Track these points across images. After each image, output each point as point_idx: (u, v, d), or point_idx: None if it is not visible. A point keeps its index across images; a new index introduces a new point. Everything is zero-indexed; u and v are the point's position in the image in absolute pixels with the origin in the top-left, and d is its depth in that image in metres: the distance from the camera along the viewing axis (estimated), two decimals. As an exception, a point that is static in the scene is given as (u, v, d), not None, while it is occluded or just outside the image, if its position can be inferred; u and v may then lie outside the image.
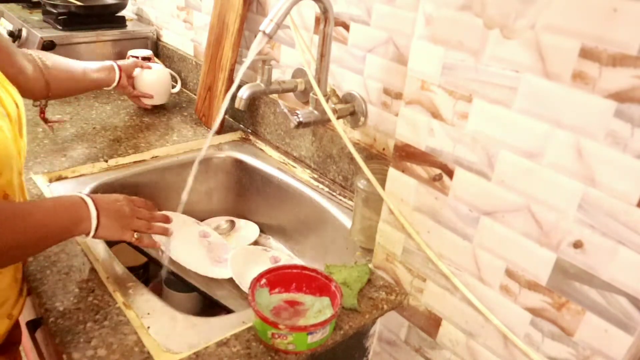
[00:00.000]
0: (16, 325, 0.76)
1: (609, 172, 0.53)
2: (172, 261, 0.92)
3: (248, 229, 1.21)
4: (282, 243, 1.19)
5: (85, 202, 0.73)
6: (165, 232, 0.84)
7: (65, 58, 1.10)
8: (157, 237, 0.86)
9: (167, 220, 0.86)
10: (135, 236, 0.79)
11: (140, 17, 1.73)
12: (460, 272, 0.71)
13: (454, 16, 0.62)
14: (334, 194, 1.06)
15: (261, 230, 1.21)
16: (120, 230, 0.77)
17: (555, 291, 0.61)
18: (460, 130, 0.65)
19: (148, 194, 1.09)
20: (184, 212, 0.97)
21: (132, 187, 1.07)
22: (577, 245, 0.57)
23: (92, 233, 0.73)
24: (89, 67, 1.14)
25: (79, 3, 1.54)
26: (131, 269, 0.85)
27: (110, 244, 0.85)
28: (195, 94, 1.48)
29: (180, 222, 1.06)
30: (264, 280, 0.73)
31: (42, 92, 1.01)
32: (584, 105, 0.53)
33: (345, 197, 1.05)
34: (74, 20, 1.48)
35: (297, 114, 0.96)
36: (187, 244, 1.02)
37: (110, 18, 1.57)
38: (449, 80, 0.65)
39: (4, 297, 0.70)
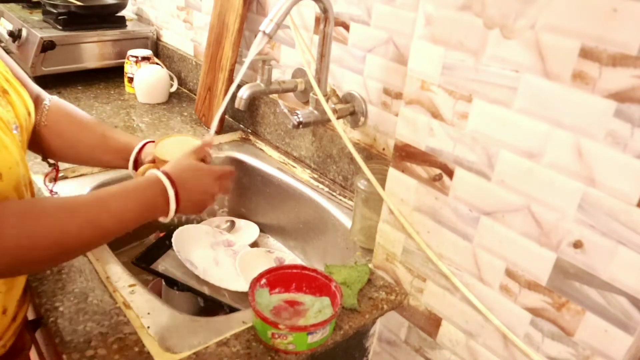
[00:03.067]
0: (22, 331, 0.75)
1: (609, 172, 0.53)
2: (201, 281, 0.91)
3: (248, 229, 1.21)
4: (282, 243, 1.19)
5: (163, 184, 0.66)
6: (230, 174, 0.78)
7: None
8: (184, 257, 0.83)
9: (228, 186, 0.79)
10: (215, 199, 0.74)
11: (140, 17, 1.73)
12: (460, 272, 0.71)
13: (454, 16, 0.62)
14: (334, 194, 1.06)
15: (261, 230, 1.21)
16: (199, 206, 0.72)
17: (555, 291, 0.61)
18: (460, 130, 0.65)
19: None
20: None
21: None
22: (577, 245, 0.57)
23: (170, 215, 0.68)
24: (110, 134, 0.85)
25: (79, 3, 1.54)
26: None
27: (113, 247, 0.85)
28: (195, 94, 1.49)
29: (202, 234, 1.06)
30: (264, 280, 0.73)
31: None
32: (584, 105, 0.53)
33: (345, 197, 1.05)
34: (74, 20, 1.48)
35: (297, 114, 0.96)
36: (214, 260, 1.00)
37: (110, 18, 1.57)
38: (449, 80, 0.65)
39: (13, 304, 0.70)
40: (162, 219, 0.69)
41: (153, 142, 0.83)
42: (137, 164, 0.82)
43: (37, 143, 0.81)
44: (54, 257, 0.62)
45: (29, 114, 0.73)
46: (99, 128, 0.85)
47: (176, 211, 0.68)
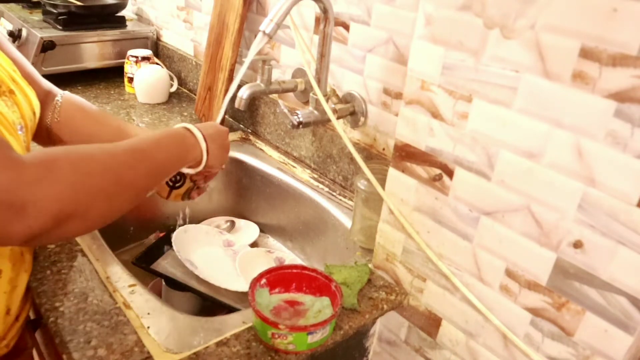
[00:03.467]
0: (23, 331, 0.75)
1: (609, 172, 0.53)
2: (201, 280, 0.91)
3: (248, 229, 1.21)
4: (282, 243, 1.19)
5: (193, 134, 0.72)
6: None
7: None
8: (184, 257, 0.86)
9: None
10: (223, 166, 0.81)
11: (140, 17, 1.73)
12: (460, 272, 0.71)
13: (454, 16, 0.62)
14: (334, 194, 1.07)
15: (261, 230, 1.21)
16: (223, 156, 0.77)
17: (555, 291, 0.61)
18: (460, 130, 0.65)
19: (153, 196, 1.09)
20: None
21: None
22: (577, 245, 0.57)
23: (203, 164, 0.73)
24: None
25: (79, 3, 1.54)
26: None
27: (113, 247, 0.85)
28: (195, 94, 1.49)
29: (203, 234, 1.06)
30: (264, 280, 0.73)
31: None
32: (584, 105, 0.53)
33: (345, 197, 1.05)
34: (74, 20, 1.49)
35: (297, 114, 0.96)
36: (214, 260, 1.01)
37: (110, 18, 1.57)
38: (449, 80, 0.65)
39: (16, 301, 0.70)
40: (189, 170, 0.74)
41: None
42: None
43: (50, 140, 0.80)
44: (111, 196, 0.58)
45: (34, 113, 0.73)
46: (114, 121, 0.85)
47: (205, 164, 0.73)
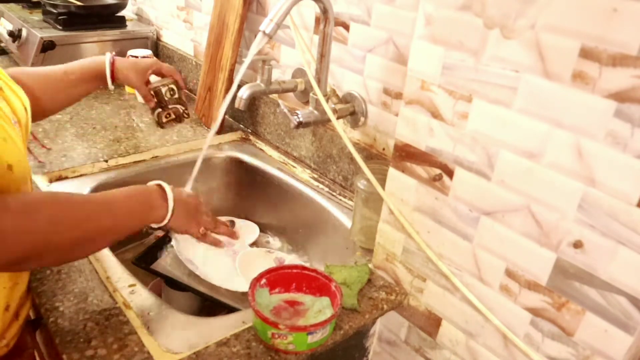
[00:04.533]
0: (24, 330, 0.75)
1: (609, 172, 0.53)
2: (201, 280, 0.91)
3: (248, 229, 1.21)
4: (282, 243, 1.19)
5: (163, 190, 0.77)
6: (232, 235, 0.90)
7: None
8: (186, 252, 0.90)
9: (228, 232, 0.93)
10: (201, 231, 0.86)
11: (140, 17, 1.73)
12: (460, 272, 0.71)
13: (454, 16, 0.62)
14: (334, 194, 1.06)
15: (261, 230, 1.21)
16: (189, 223, 0.83)
17: (555, 291, 0.61)
18: (460, 130, 0.65)
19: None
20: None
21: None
22: (577, 245, 0.57)
23: (165, 221, 0.78)
24: (70, 66, 0.94)
25: (79, 3, 1.54)
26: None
27: (113, 247, 0.85)
28: (195, 94, 1.49)
29: None
30: (264, 280, 0.73)
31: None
32: (584, 105, 0.53)
33: (345, 197, 1.05)
34: (74, 20, 1.49)
35: (297, 114, 0.96)
36: (214, 260, 1.01)
37: (110, 18, 1.57)
38: (449, 80, 0.65)
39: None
40: (154, 225, 0.79)
41: (116, 55, 0.96)
42: (113, 79, 0.93)
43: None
44: (74, 246, 0.65)
45: (25, 109, 0.73)
46: (59, 69, 0.91)
47: (168, 222, 0.79)
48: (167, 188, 0.79)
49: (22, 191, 0.65)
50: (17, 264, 0.60)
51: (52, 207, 0.61)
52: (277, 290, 0.75)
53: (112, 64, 0.95)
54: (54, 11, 1.49)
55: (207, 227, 0.88)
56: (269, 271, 0.73)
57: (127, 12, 1.67)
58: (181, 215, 0.81)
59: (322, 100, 0.93)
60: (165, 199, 0.78)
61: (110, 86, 0.95)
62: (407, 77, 0.70)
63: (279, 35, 1.13)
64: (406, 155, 0.73)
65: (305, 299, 0.74)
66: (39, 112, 0.86)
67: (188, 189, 0.88)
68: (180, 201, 0.80)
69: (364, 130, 1.01)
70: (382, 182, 0.79)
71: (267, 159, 1.20)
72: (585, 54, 0.52)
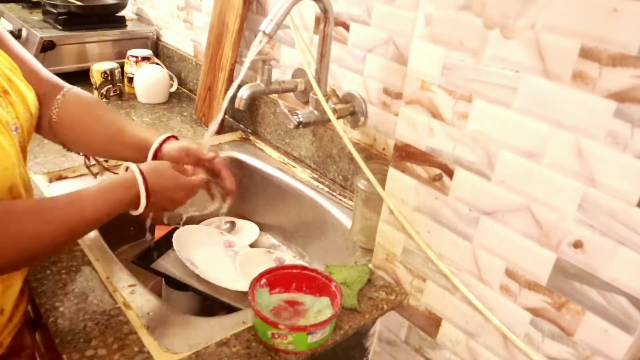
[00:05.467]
0: (22, 331, 0.75)
1: (609, 172, 0.53)
2: (201, 280, 0.91)
3: (248, 230, 1.21)
4: (282, 243, 1.19)
5: (138, 189, 0.69)
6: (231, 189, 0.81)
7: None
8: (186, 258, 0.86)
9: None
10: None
11: (140, 17, 1.73)
12: (460, 272, 0.71)
13: (454, 16, 0.62)
14: (334, 194, 1.06)
15: (261, 230, 1.21)
16: (167, 206, 0.75)
17: (555, 291, 0.61)
18: (460, 130, 0.65)
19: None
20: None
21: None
22: (577, 245, 0.57)
23: (138, 211, 0.70)
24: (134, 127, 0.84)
25: (79, 3, 1.54)
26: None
27: (113, 247, 0.85)
28: (195, 94, 1.49)
29: (203, 234, 1.06)
30: (264, 280, 0.73)
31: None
32: (584, 105, 0.53)
33: (345, 197, 1.05)
34: (74, 20, 1.48)
35: (297, 114, 0.96)
36: (214, 260, 1.01)
37: (110, 18, 1.57)
38: (449, 80, 0.65)
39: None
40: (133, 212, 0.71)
41: (174, 137, 0.82)
42: (157, 160, 0.81)
43: (51, 134, 0.81)
44: (26, 261, 0.64)
45: (31, 114, 0.73)
46: (116, 122, 0.83)
47: (143, 211, 0.70)
48: (139, 180, 0.69)
49: (6, 200, 0.63)
50: None
51: (26, 226, 0.58)
52: (277, 290, 0.75)
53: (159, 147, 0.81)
54: (54, 11, 1.49)
55: (184, 202, 0.77)
56: (269, 271, 0.73)
57: (127, 12, 1.67)
58: (157, 202, 0.72)
59: (322, 100, 0.93)
60: (138, 194, 0.69)
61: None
62: (407, 77, 0.70)
63: (279, 35, 1.13)
64: (406, 155, 0.73)
65: (305, 299, 0.74)
66: (68, 144, 0.82)
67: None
68: (155, 189, 0.70)
69: (364, 130, 1.01)
70: (382, 182, 0.79)
71: (267, 159, 1.20)
72: (585, 54, 0.52)
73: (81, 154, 0.88)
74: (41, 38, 1.38)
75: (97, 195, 0.66)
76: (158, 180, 0.71)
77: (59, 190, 0.98)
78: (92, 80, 1.40)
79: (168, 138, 0.81)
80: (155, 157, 0.80)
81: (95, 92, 1.40)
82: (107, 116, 0.84)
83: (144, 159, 0.81)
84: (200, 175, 0.80)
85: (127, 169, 0.71)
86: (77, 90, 0.83)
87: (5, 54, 0.72)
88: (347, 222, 0.99)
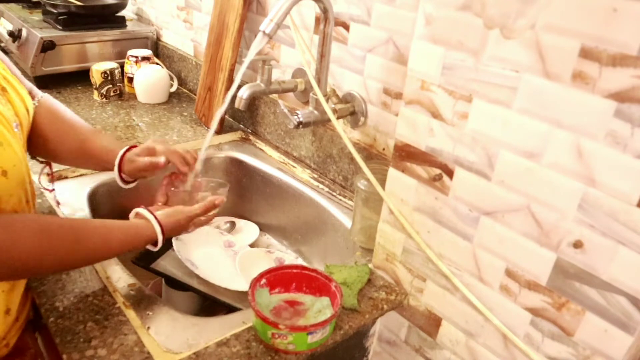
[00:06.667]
0: (24, 331, 0.75)
1: (609, 172, 0.53)
2: (201, 280, 0.92)
3: (248, 230, 1.21)
4: (282, 243, 1.19)
5: (154, 230, 0.74)
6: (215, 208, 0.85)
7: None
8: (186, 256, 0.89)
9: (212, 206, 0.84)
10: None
11: (140, 17, 1.73)
12: (460, 272, 0.71)
13: (454, 16, 0.62)
14: (334, 194, 1.06)
15: (261, 230, 1.21)
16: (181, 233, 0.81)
17: (555, 291, 0.61)
18: (460, 130, 0.65)
19: (148, 194, 1.09)
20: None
21: (131, 188, 1.06)
22: (577, 245, 0.57)
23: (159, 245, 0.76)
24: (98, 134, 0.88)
25: (79, 3, 1.54)
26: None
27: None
28: (195, 94, 1.49)
29: (203, 234, 1.06)
30: (264, 280, 0.73)
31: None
32: (584, 105, 0.53)
33: (345, 197, 1.05)
34: (74, 20, 1.48)
35: (297, 114, 0.96)
36: (214, 260, 1.01)
37: (110, 18, 1.57)
38: (449, 80, 0.65)
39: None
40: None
41: (135, 146, 0.85)
42: (121, 170, 0.84)
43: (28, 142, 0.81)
44: (53, 270, 0.70)
45: (28, 111, 0.73)
46: (82, 134, 0.85)
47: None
48: (154, 223, 0.74)
49: (17, 196, 0.65)
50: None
51: (38, 236, 0.61)
52: (277, 290, 0.75)
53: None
54: (54, 11, 1.49)
55: (197, 226, 0.83)
56: (269, 271, 0.73)
57: (127, 12, 1.67)
58: (172, 233, 0.78)
59: (322, 100, 0.93)
60: (155, 238, 0.74)
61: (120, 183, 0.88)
62: (407, 77, 0.70)
63: (279, 35, 1.13)
64: (406, 155, 0.73)
65: (305, 299, 0.74)
66: (36, 151, 0.83)
67: (188, 186, 0.87)
68: (168, 225, 0.76)
69: (364, 130, 1.01)
70: (382, 182, 0.79)
71: (267, 159, 1.20)
72: (585, 54, 0.52)
73: (42, 161, 0.88)
74: (41, 38, 1.38)
75: (121, 230, 0.71)
76: (168, 218, 0.76)
77: (60, 190, 0.97)
78: (92, 81, 1.40)
79: (129, 149, 0.85)
80: (120, 169, 0.84)
81: (95, 92, 1.40)
82: (74, 127, 0.86)
83: (110, 168, 0.85)
84: (200, 203, 0.83)
85: (136, 214, 0.76)
86: (49, 97, 0.84)
87: None
88: (347, 222, 0.99)
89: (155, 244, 0.75)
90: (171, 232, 0.77)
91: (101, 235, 0.68)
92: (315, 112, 0.98)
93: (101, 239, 0.68)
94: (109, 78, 1.39)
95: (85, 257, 0.67)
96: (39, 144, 0.81)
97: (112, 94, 1.41)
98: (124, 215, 0.77)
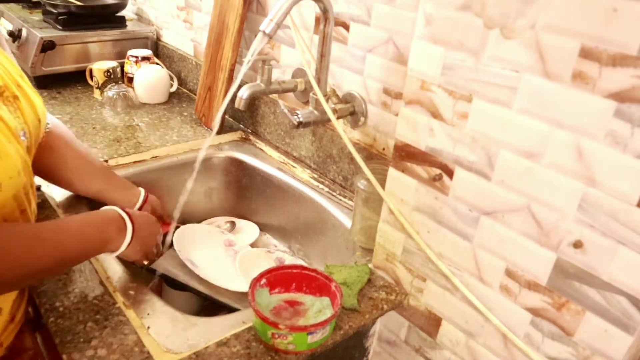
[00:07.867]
0: (23, 331, 0.75)
1: (609, 172, 0.53)
2: (201, 280, 0.92)
3: (248, 230, 1.21)
4: (282, 243, 1.19)
5: (123, 220, 0.75)
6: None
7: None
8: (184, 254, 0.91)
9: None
10: (146, 263, 0.85)
11: (140, 17, 1.73)
12: (460, 272, 0.71)
13: (454, 16, 0.62)
14: (334, 194, 1.06)
15: (261, 230, 1.21)
16: (138, 254, 0.80)
17: (555, 291, 0.61)
18: (460, 130, 0.65)
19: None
20: (185, 212, 0.96)
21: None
22: (577, 245, 0.57)
23: (117, 253, 0.76)
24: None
25: (79, 3, 1.54)
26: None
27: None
28: (195, 94, 1.49)
29: (204, 233, 1.06)
30: (264, 280, 0.73)
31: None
32: (584, 105, 0.53)
33: (345, 197, 1.05)
34: (74, 20, 1.48)
35: (297, 114, 0.96)
36: (214, 259, 1.01)
37: (110, 18, 1.57)
38: (449, 80, 0.65)
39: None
40: (108, 254, 0.77)
41: (146, 199, 0.96)
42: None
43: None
44: (18, 282, 0.66)
45: (39, 120, 0.73)
46: (98, 161, 0.93)
47: (120, 253, 0.76)
48: (127, 221, 0.75)
49: (10, 207, 0.65)
50: None
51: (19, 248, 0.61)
52: (277, 290, 0.75)
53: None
54: (54, 11, 1.48)
55: (150, 258, 0.86)
56: (269, 271, 0.73)
57: (127, 12, 1.67)
58: (134, 248, 0.77)
59: (322, 100, 0.93)
60: (123, 231, 0.75)
61: None
62: (407, 77, 0.70)
63: (279, 35, 1.13)
64: (406, 155, 0.73)
65: (305, 299, 0.74)
66: (41, 172, 0.86)
67: (188, 187, 0.87)
68: (139, 234, 0.77)
69: (364, 130, 1.01)
70: (382, 182, 0.79)
71: (267, 159, 1.20)
72: (585, 54, 0.52)
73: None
74: (41, 38, 1.38)
75: (84, 224, 0.72)
76: (140, 227, 0.78)
77: (59, 190, 0.97)
78: (94, 80, 1.40)
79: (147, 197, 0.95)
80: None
81: (97, 91, 1.40)
82: (89, 158, 0.93)
83: (130, 205, 0.93)
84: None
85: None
86: (60, 123, 0.90)
87: None
88: (347, 222, 0.99)
89: (115, 250, 0.75)
90: (139, 220, 0.78)
91: (62, 228, 0.69)
92: (315, 112, 0.98)
93: (64, 232, 0.68)
94: (112, 77, 1.39)
95: (51, 255, 0.66)
96: (45, 161, 0.84)
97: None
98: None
